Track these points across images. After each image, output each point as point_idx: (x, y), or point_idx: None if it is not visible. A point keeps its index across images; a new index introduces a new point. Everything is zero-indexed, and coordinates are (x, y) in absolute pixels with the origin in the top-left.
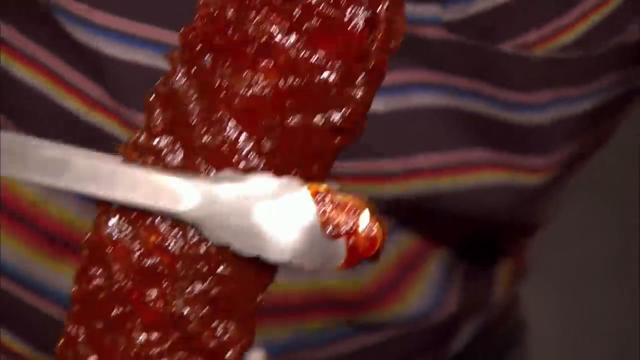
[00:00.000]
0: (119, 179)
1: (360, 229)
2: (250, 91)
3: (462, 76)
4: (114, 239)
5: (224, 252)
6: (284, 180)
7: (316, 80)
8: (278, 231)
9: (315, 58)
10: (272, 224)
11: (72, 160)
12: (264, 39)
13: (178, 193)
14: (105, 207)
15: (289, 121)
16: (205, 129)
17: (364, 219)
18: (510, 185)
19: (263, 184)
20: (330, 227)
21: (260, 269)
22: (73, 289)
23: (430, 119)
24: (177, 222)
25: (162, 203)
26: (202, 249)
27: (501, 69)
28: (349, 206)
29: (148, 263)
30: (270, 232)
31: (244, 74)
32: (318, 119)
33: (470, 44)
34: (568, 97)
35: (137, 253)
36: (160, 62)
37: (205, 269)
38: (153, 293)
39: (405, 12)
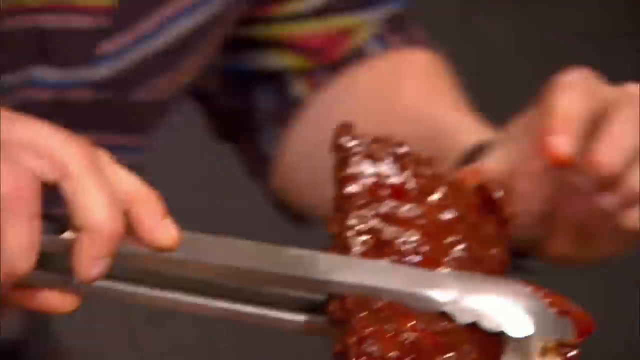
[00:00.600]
0: (375, 271)
1: (575, 310)
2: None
3: (112, 132)
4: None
5: (470, 330)
6: (512, 284)
7: None
8: (515, 311)
9: None
10: (508, 303)
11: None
12: None
13: (437, 282)
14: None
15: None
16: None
17: (575, 304)
18: None
19: (499, 285)
20: (555, 309)
21: (495, 343)
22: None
23: None
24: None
25: (424, 290)
26: (449, 327)
27: (137, 116)
28: (559, 297)
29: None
30: (508, 312)
31: None
32: None
33: (107, 98)
34: None
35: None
36: None
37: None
38: None
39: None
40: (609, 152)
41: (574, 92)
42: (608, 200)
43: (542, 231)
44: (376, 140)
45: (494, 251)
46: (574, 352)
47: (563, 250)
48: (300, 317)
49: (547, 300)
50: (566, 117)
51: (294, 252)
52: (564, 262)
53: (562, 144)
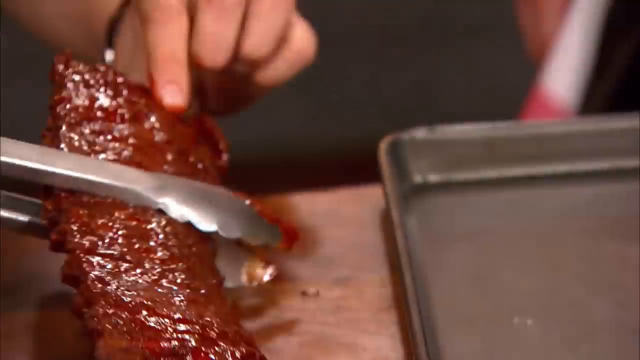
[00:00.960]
0: (91, 166)
1: (284, 221)
2: None
3: None
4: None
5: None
6: (226, 191)
7: None
8: (230, 217)
9: None
10: (225, 211)
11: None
12: None
13: (139, 177)
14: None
15: None
16: None
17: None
18: None
19: (213, 190)
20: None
21: (208, 243)
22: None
23: None
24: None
25: (127, 183)
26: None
27: None
28: (268, 207)
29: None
30: (224, 217)
31: None
32: None
33: None
34: None
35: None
36: None
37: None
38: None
39: None
40: (205, 49)
41: (167, 19)
42: (239, 69)
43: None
44: (93, 69)
45: (210, 170)
46: (271, 270)
47: (219, 109)
48: (21, 218)
49: (259, 208)
50: (165, 60)
51: (12, 142)
52: (220, 114)
53: (169, 96)
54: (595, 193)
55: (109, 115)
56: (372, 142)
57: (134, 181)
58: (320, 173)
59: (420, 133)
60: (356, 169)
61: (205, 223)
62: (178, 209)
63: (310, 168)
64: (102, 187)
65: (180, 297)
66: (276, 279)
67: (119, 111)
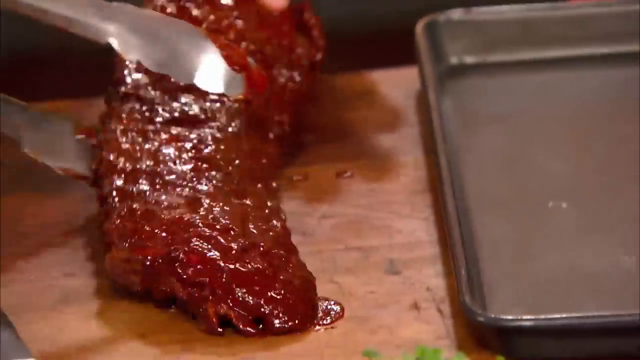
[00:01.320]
0: None
1: (251, 66)
2: None
3: None
4: None
5: None
6: (190, 27)
7: None
8: (184, 56)
9: None
10: (180, 49)
11: None
12: None
13: (110, 14)
14: None
15: None
16: None
17: (252, 61)
18: None
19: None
20: (231, 63)
21: None
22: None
23: None
24: None
25: (88, 16)
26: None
27: None
28: (239, 51)
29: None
30: (178, 55)
31: None
32: None
33: None
34: None
35: None
36: None
37: None
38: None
39: None
40: None
41: None
42: None
43: None
44: None
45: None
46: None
47: None
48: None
49: (224, 52)
50: None
51: None
52: None
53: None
54: (630, 75)
55: (196, 23)
56: (408, 24)
57: (92, 12)
58: (356, 54)
59: (456, 14)
60: (392, 50)
61: (157, 64)
62: (129, 45)
63: (344, 49)
64: (60, 18)
65: (202, 195)
66: (311, 160)
67: (208, 18)
